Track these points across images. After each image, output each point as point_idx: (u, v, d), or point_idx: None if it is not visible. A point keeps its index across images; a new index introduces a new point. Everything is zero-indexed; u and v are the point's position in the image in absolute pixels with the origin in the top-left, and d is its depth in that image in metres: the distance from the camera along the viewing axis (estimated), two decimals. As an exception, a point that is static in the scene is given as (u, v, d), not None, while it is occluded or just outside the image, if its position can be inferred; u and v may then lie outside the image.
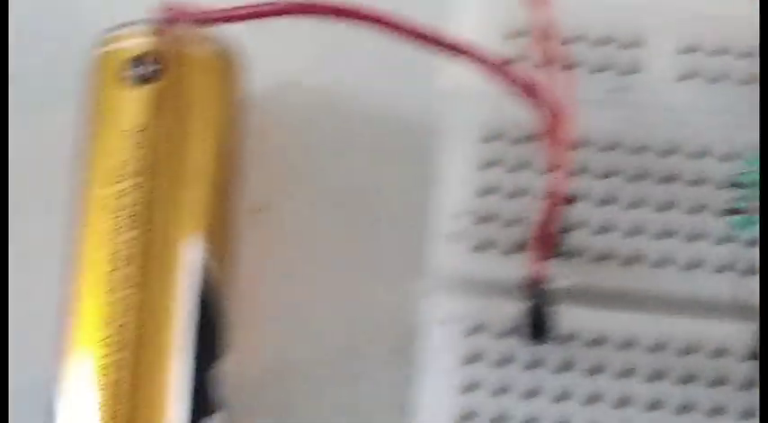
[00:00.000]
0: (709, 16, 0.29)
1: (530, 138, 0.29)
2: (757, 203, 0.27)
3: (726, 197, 0.28)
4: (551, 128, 0.28)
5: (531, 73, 0.28)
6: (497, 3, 0.30)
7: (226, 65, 0.30)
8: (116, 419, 0.28)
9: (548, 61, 0.28)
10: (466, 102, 0.29)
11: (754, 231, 0.28)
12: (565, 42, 0.29)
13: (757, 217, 0.27)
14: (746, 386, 0.27)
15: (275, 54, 0.32)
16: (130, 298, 0.29)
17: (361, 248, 0.31)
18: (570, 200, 0.28)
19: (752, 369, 0.28)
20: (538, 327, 0.28)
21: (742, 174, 0.28)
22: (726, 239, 0.28)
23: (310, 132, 0.32)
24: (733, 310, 0.27)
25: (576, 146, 0.29)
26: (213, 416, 0.29)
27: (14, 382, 0.30)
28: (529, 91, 0.28)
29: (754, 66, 0.29)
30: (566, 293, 0.28)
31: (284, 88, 0.32)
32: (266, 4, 0.29)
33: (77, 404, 0.28)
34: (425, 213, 0.29)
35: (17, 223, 0.31)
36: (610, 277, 0.28)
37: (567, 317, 0.28)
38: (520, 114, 0.29)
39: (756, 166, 0.27)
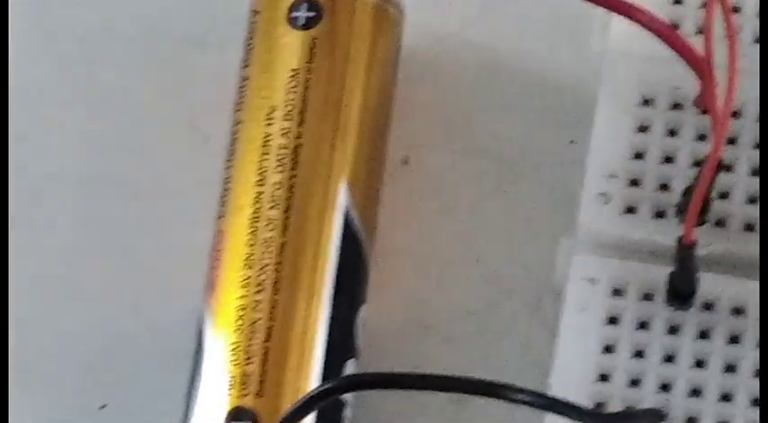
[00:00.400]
0: None
1: (686, 104, 0.28)
2: None
3: None
4: (710, 96, 0.27)
5: (694, 40, 0.28)
6: None
7: (383, 14, 0.30)
8: (252, 360, 0.28)
9: (712, 29, 0.27)
10: (626, 64, 0.29)
11: None
12: (730, 12, 0.28)
13: None
14: None
15: (433, 8, 0.31)
16: (273, 240, 0.28)
17: (506, 204, 0.30)
18: (723, 168, 0.27)
19: None
20: (682, 291, 0.27)
21: None
22: None
23: (460, 87, 0.31)
24: None
25: (733, 115, 0.28)
26: (348, 363, 0.29)
27: (164, 312, 0.30)
28: (692, 57, 0.27)
29: None
30: (711, 260, 0.28)
31: (439, 42, 0.31)
32: None
33: (224, 339, 0.28)
34: (576, 173, 0.29)
35: (179, 157, 0.31)
36: (755, 247, 0.28)
37: (711, 284, 0.27)
38: (679, 79, 0.28)
39: None
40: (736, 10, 0.29)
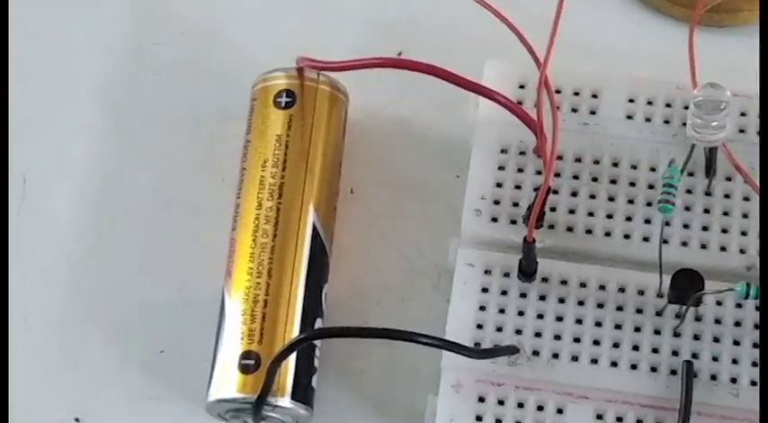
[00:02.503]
0: (641, 80, 0.34)
1: (528, 151, 0.33)
2: (673, 197, 0.31)
3: (650, 193, 0.32)
4: (542, 146, 0.32)
5: (531, 111, 0.32)
6: (514, 65, 0.34)
7: (335, 98, 0.34)
8: (255, 320, 0.32)
9: (542, 104, 0.32)
10: (490, 126, 0.33)
11: (671, 215, 0.31)
12: (553, 93, 0.33)
13: (672, 207, 0.31)
14: (659, 314, 0.32)
15: (367, 91, 0.35)
16: (267, 244, 0.32)
17: (417, 217, 0.34)
18: (552, 192, 0.32)
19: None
20: (528, 271, 0.32)
21: (667, 177, 0.31)
22: (649, 221, 0.33)
23: (386, 142, 0.35)
24: (651, 266, 0.31)
25: (557, 157, 0.33)
26: (317, 320, 0.32)
27: (200, 290, 0.34)
28: (530, 122, 0.32)
29: (673, 113, 0.33)
30: (546, 250, 0.33)
31: (372, 113, 0.35)
32: (364, 59, 0.33)
33: (237, 306, 0.32)
34: (461, 196, 0.33)
35: (204, 191, 0.34)
36: (575, 241, 0.33)
37: (547, 266, 0.32)
38: (523, 136, 0.33)
39: (675, 173, 0.31)
40: (558, 91, 0.34)
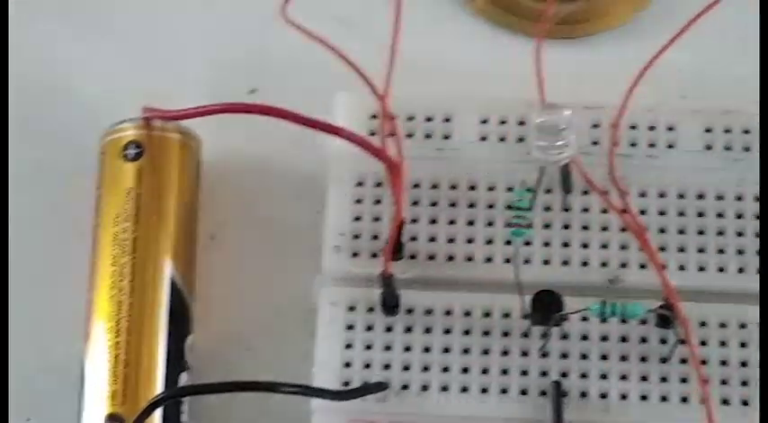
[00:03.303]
0: (493, 100, 0.34)
1: (384, 183, 0.33)
2: (524, 220, 0.31)
3: (509, 213, 0.32)
4: (394, 176, 0.32)
5: (382, 142, 0.32)
6: (363, 96, 0.33)
7: (185, 145, 0.34)
8: (117, 381, 0.31)
9: (392, 134, 0.33)
10: (344, 160, 0.33)
11: (525, 237, 0.32)
12: (403, 120, 0.33)
13: (525, 230, 0.31)
14: (525, 335, 0.32)
15: (225, 132, 0.34)
16: (124, 302, 0.32)
17: (281, 257, 0.34)
18: (411, 221, 0.32)
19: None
20: (390, 304, 0.32)
21: (515, 201, 0.31)
22: (510, 242, 0.33)
23: (245, 182, 0.35)
24: (515, 288, 0.31)
25: (411, 186, 0.33)
26: (181, 375, 0.32)
27: (56, 354, 0.33)
28: (380, 154, 0.32)
29: (527, 131, 0.34)
30: (409, 281, 0.33)
31: (227, 154, 0.35)
32: (208, 106, 0.32)
33: (98, 369, 0.32)
34: (321, 233, 0.33)
35: (58, 253, 0.34)
36: (437, 269, 0.33)
37: (410, 297, 0.33)
38: (378, 167, 0.33)
39: (522, 196, 0.31)
40: (410, 118, 0.33)
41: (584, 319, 0.32)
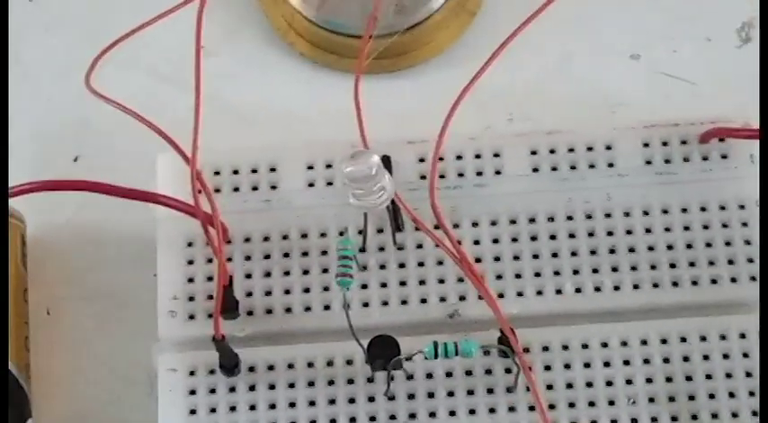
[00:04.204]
0: (317, 143, 0.34)
1: (208, 243, 0.33)
2: (351, 269, 0.31)
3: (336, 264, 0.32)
4: (209, 237, 0.32)
5: (194, 200, 0.32)
6: (177, 168, 0.33)
7: (9, 224, 0.33)
8: None
9: (208, 194, 0.32)
10: (171, 222, 0.33)
11: (350, 287, 0.31)
12: (228, 174, 0.33)
13: (351, 280, 0.31)
14: (371, 380, 0.32)
15: (49, 207, 0.34)
16: None
17: (119, 327, 0.34)
18: (232, 278, 0.32)
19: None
20: (229, 365, 0.32)
21: (339, 250, 0.31)
22: (337, 291, 0.32)
23: (78, 255, 0.35)
24: (349, 334, 0.31)
25: (242, 241, 0.33)
26: None
27: None
28: (202, 217, 0.32)
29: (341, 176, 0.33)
30: (249, 338, 0.33)
31: (59, 227, 0.35)
32: (31, 183, 0.32)
33: None
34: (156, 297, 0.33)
35: None
36: (276, 323, 0.33)
37: (250, 354, 0.32)
38: (200, 230, 0.33)
39: (347, 244, 0.31)
40: (235, 171, 0.33)
41: (426, 357, 0.32)
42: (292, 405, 0.32)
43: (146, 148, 0.34)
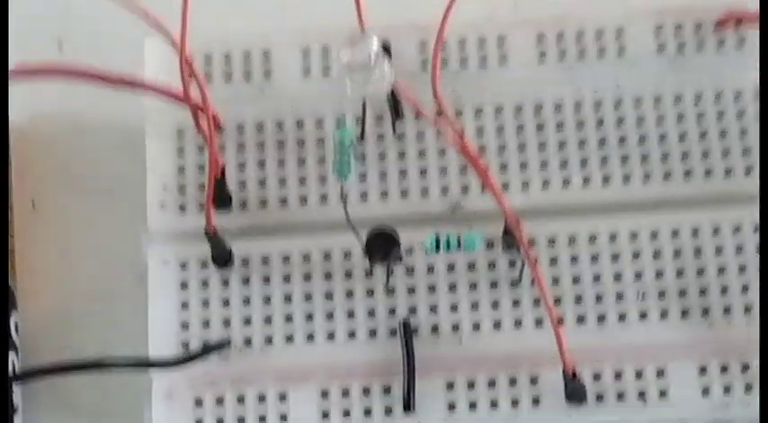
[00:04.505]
0: (311, 30, 0.32)
1: (199, 131, 0.31)
2: (347, 159, 0.29)
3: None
4: (203, 119, 0.31)
5: (184, 87, 0.30)
6: (166, 53, 0.31)
7: None
8: None
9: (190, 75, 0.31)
10: (161, 110, 0.32)
11: (348, 178, 0.29)
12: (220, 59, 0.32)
13: (349, 172, 0.29)
14: (369, 274, 0.31)
15: (28, 93, 0.33)
16: None
17: (107, 219, 0.33)
18: (223, 166, 0.31)
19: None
20: (221, 258, 0.31)
21: (335, 139, 0.29)
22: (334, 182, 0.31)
23: (63, 145, 0.34)
24: (347, 227, 0.30)
25: (235, 130, 0.32)
26: (11, 354, 0.31)
27: None
28: (193, 104, 0.31)
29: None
30: (242, 230, 0.31)
31: (40, 117, 0.34)
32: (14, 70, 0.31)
33: None
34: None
35: None
36: (270, 215, 0.32)
37: (244, 246, 0.31)
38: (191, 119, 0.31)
39: (343, 134, 0.29)
40: (227, 55, 0.32)
41: (427, 251, 0.31)
42: (288, 299, 0.31)
43: (132, 32, 0.32)
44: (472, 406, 0.30)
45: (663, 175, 0.32)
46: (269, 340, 0.31)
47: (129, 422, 0.31)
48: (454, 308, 0.31)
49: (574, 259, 0.31)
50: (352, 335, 0.31)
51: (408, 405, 0.30)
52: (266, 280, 0.31)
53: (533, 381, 0.31)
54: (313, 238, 0.32)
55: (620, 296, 0.31)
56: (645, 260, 0.31)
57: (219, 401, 0.31)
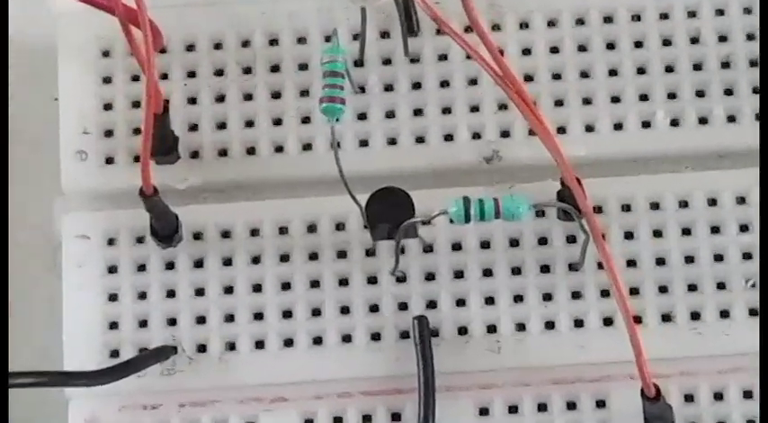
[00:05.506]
0: None
1: (132, 51, 0.24)
2: (338, 89, 0.23)
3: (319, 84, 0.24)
4: (144, 41, 0.23)
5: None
6: None
7: None
8: None
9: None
10: (78, 24, 0.25)
11: (341, 117, 0.23)
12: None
13: (340, 105, 0.23)
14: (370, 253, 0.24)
15: None
16: None
17: (12, 172, 0.26)
18: (166, 104, 0.24)
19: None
20: (163, 232, 0.24)
21: (324, 62, 0.23)
22: (322, 122, 0.24)
23: None
24: (340, 186, 0.23)
25: (183, 49, 0.25)
26: None
27: None
28: (123, 12, 0.23)
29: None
30: (194, 191, 0.25)
31: None
32: None
33: None
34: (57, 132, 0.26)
35: None
36: (233, 169, 0.25)
37: (196, 214, 0.25)
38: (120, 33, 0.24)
39: (335, 53, 0.23)
40: None
41: (452, 220, 0.24)
42: (257, 289, 0.24)
43: None
44: (514, 438, 0.24)
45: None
46: (231, 346, 0.25)
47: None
48: (489, 301, 0.24)
49: (657, 233, 0.25)
50: (346, 338, 0.24)
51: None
52: (227, 262, 0.25)
53: (599, 403, 0.24)
54: (292, 201, 0.25)
55: (720, 285, 0.24)
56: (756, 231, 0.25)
57: (161, 431, 0.25)
